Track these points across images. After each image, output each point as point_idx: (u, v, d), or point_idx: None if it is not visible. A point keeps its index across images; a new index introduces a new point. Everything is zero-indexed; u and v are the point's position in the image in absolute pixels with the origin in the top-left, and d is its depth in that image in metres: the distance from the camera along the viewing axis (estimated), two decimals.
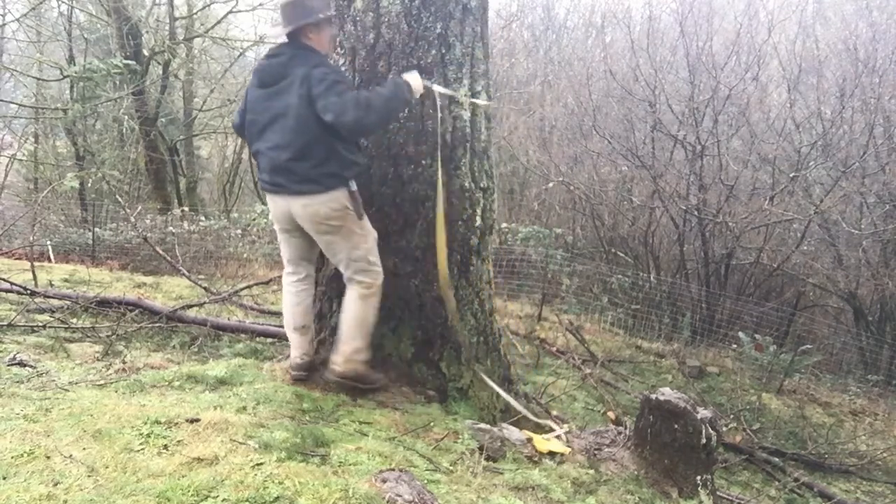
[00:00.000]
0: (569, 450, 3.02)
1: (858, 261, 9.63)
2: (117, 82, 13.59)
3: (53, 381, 3.02)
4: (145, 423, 2.43)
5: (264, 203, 9.66)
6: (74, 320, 4.62)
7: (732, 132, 10.32)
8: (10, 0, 16.81)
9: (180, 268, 6.97)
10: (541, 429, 3.35)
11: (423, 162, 3.34)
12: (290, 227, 3.18)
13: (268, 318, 5.48)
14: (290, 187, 3.03)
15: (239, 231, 10.52)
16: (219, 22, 15.31)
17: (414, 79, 3.10)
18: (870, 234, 9.54)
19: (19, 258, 7.79)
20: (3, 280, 5.25)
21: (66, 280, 6.49)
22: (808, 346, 8.25)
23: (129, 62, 11.60)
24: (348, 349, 3.16)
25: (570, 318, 8.80)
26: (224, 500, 1.99)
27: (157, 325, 4.69)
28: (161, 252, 7.27)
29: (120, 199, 10.20)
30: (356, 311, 3.16)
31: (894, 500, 5.28)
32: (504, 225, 10.59)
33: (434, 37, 3.27)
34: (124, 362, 3.49)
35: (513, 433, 3.05)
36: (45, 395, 2.77)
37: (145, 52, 13.67)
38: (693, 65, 10.01)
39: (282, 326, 3.60)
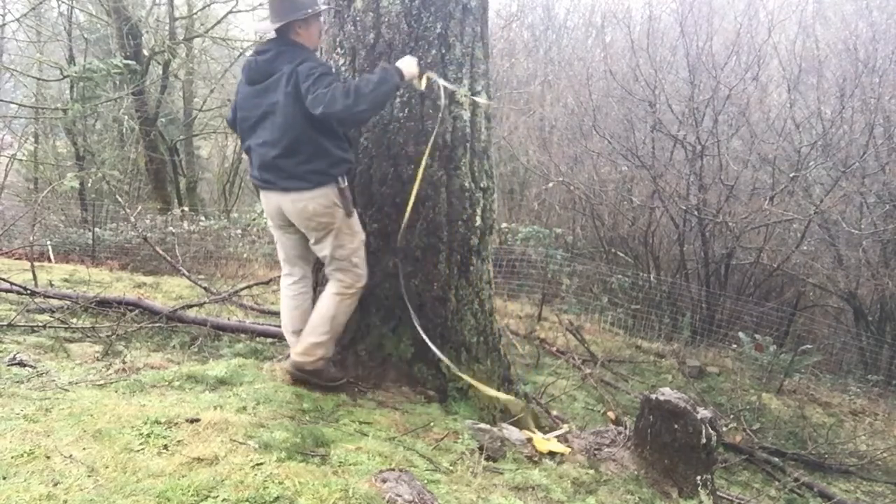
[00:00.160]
0: (569, 450, 3.02)
1: (858, 261, 9.62)
2: (117, 82, 13.59)
3: (53, 381, 3.02)
4: (145, 423, 2.43)
5: None
6: (74, 320, 4.62)
7: (732, 132, 10.32)
8: (10, 0, 16.78)
9: (180, 268, 6.97)
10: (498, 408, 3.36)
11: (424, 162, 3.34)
12: (283, 223, 3.17)
13: (268, 318, 5.48)
14: (278, 184, 3.02)
15: (239, 231, 10.52)
16: (219, 22, 15.31)
17: (406, 64, 3.05)
18: (870, 234, 9.54)
19: (19, 258, 7.79)
20: (3, 280, 5.25)
21: (66, 280, 6.49)
22: (808, 346, 8.25)
23: (129, 62, 11.61)
24: (308, 342, 3.16)
25: (570, 318, 8.80)
26: (224, 500, 1.99)
27: (157, 325, 4.69)
28: (161, 252, 7.26)
29: (120, 199, 10.20)
30: (326, 307, 3.16)
31: (894, 500, 5.28)
32: (504, 225, 10.59)
33: (434, 37, 3.27)
34: (124, 362, 3.49)
35: (513, 433, 3.05)
36: (45, 395, 2.77)
37: (145, 52, 13.68)
38: (693, 65, 10.01)
39: (282, 326, 3.60)
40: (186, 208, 11.86)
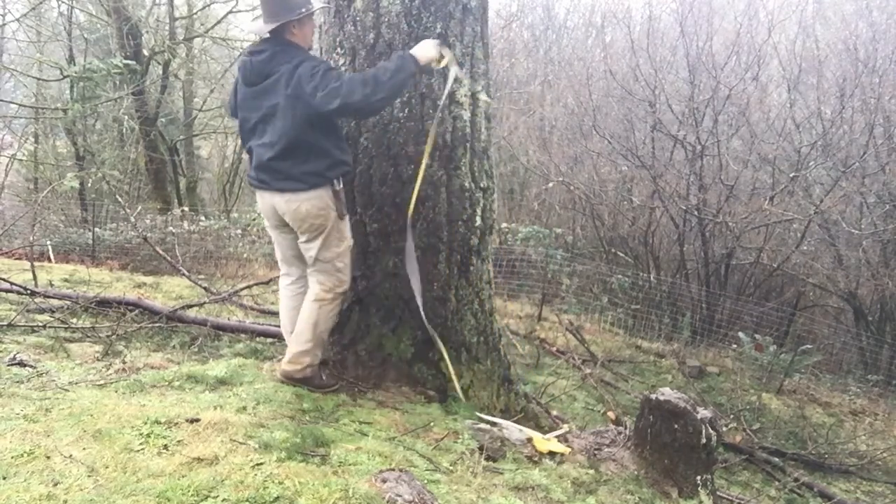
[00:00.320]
0: (569, 450, 3.01)
1: (858, 261, 9.63)
2: (117, 82, 13.59)
3: (53, 381, 3.02)
4: (145, 423, 2.43)
5: None
6: (74, 320, 4.61)
7: (732, 132, 10.33)
8: (10, 0, 16.79)
9: (180, 268, 6.96)
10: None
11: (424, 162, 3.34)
12: (278, 223, 3.17)
13: (268, 318, 5.47)
14: (272, 184, 3.02)
15: (239, 231, 10.52)
16: (219, 22, 15.31)
17: (422, 49, 3.01)
18: (870, 234, 9.54)
19: (19, 258, 7.78)
20: (3, 280, 5.25)
21: (66, 280, 6.49)
22: (808, 346, 8.25)
23: (129, 62, 11.60)
24: (293, 351, 3.16)
25: (570, 318, 8.80)
26: (224, 500, 1.99)
27: (157, 325, 4.69)
28: (161, 252, 7.26)
29: (120, 199, 10.18)
30: (307, 314, 3.15)
31: (894, 500, 5.28)
32: (504, 225, 10.60)
33: (434, 37, 3.27)
34: (124, 362, 3.49)
35: (513, 433, 3.05)
36: (45, 395, 2.76)
37: (145, 52, 13.67)
38: (693, 65, 10.02)
39: (281, 326, 3.60)
40: (186, 208, 11.86)
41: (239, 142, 15.91)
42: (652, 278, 10.13)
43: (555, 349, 7.04)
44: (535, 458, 2.90)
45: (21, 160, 14.07)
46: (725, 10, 12.57)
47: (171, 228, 9.65)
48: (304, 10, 2.98)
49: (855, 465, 5.66)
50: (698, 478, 2.94)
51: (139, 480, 2.06)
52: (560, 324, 8.03)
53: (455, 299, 3.47)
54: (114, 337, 4.24)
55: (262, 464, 2.23)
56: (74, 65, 12.27)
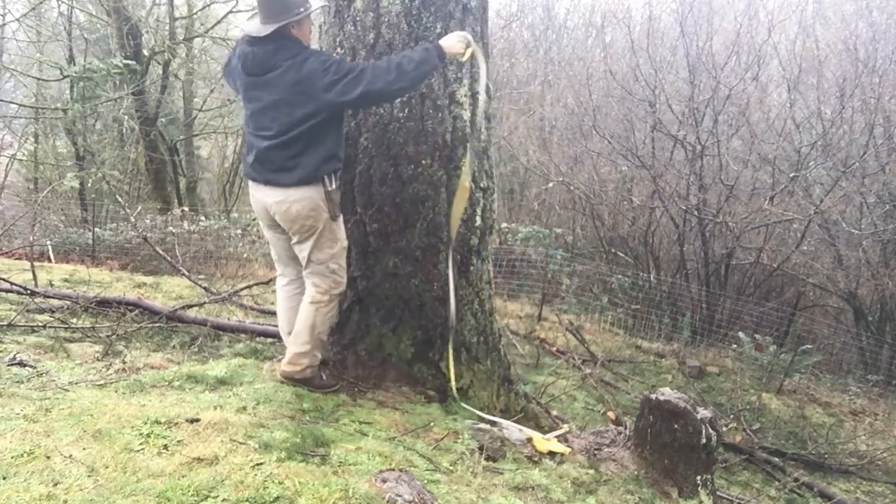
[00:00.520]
0: (569, 450, 3.01)
1: (858, 261, 9.63)
2: (117, 82, 13.58)
3: (53, 381, 3.02)
4: (145, 423, 2.43)
5: None
6: (74, 320, 4.61)
7: (732, 132, 10.33)
8: (10, 0, 16.78)
9: (180, 268, 6.96)
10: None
11: (423, 162, 3.34)
12: (272, 222, 3.15)
13: (268, 318, 5.47)
14: (264, 175, 3.00)
15: (239, 231, 10.51)
16: (219, 22, 15.29)
17: (451, 41, 2.99)
18: (870, 234, 9.54)
19: (19, 258, 7.78)
20: (3, 280, 5.25)
21: (66, 280, 6.48)
22: (808, 346, 8.26)
23: (129, 62, 11.59)
24: (292, 352, 3.16)
25: (570, 318, 8.80)
26: (224, 500, 2.00)
27: (157, 325, 4.69)
28: (161, 252, 7.25)
29: (120, 199, 10.18)
30: (304, 316, 3.14)
31: (894, 500, 5.28)
32: (504, 225, 10.60)
33: (434, 37, 3.27)
34: (124, 362, 3.49)
35: (513, 433, 3.05)
36: (45, 395, 2.76)
37: (145, 52, 13.67)
38: (693, 65, 10.02)
39: (279, 327, 3.60)
40: (186, 208, 11.85)
41: (239, 142, 15.98)
42: (652, 278, 10.13)
43: (555, 349, 7.04)
44: (535, 458, 2.90)
45: (21, 160, 14.06)
46: (725, 10, 12.57)
47: (171, 228, 9.64)
48: (302, 9, 2.96)
49: (855, 465, 5.66)
50: (698, 478, 2.94)
51: (139, 480, 2.06)
52: (560, 324, 8.03)
53: (455, 299, 3.47)
54: (114, 337, 4.24)
55: (262, 464, 2.23)
56: (74, 65, 12.26)
